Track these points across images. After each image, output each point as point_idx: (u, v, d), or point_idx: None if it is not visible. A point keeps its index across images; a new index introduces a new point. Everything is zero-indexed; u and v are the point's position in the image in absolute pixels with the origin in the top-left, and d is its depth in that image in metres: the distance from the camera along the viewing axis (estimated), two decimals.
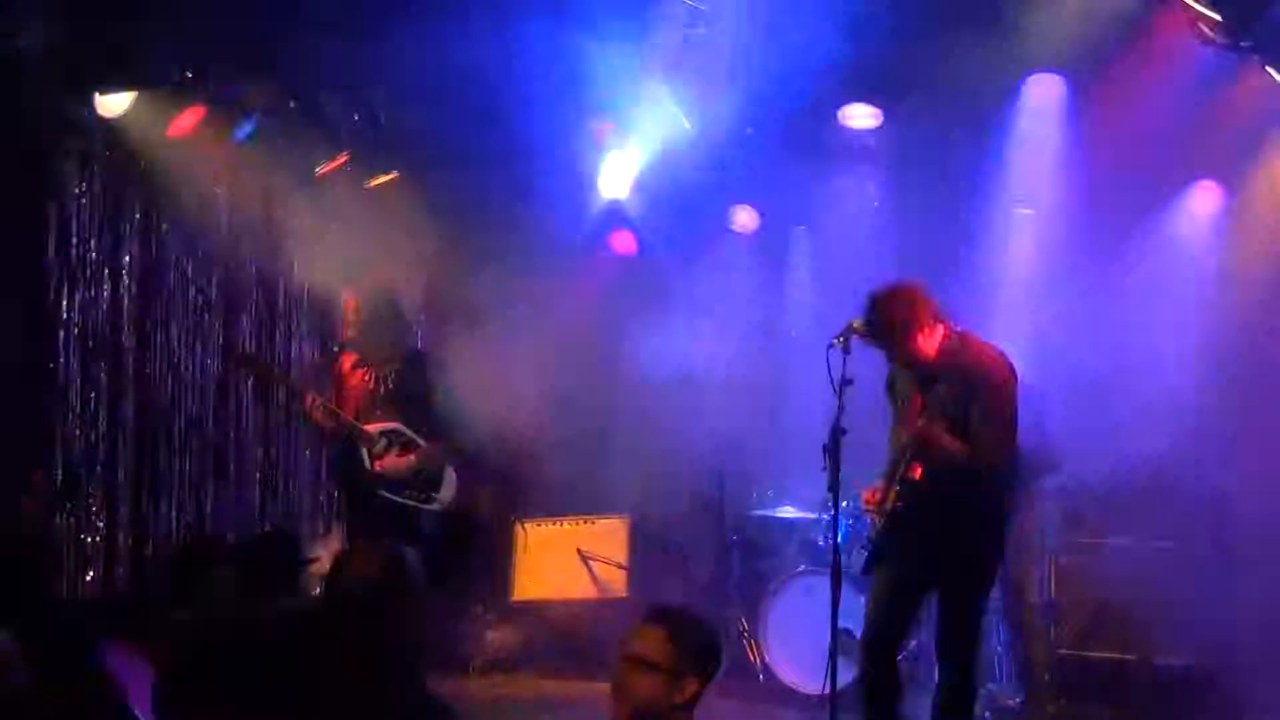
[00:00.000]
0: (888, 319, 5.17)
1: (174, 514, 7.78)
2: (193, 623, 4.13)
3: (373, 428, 6.55)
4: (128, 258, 7.62)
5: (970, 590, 5.26)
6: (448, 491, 6.77)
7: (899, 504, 5.21)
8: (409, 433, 6.61)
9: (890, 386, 5.50)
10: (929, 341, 5.20)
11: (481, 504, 7.75)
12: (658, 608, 3.43)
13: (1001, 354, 5.26)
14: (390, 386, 6.65)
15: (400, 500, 6.63)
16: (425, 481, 6.69)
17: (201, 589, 4.63)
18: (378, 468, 6.59)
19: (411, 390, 6.64)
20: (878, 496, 5.34)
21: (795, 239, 9.22)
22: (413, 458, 6.64)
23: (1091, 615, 7.07)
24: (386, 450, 6.56)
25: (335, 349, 7.16)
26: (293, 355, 8.53)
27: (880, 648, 5.31)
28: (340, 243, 8.46)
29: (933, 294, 5.28)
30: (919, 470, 5.16)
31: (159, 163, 7.52)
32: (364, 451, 6.55)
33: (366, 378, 6.67)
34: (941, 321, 5.25)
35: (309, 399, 6.57)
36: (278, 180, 8.18)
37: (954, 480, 5.11)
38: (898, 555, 5.30)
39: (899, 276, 5.41)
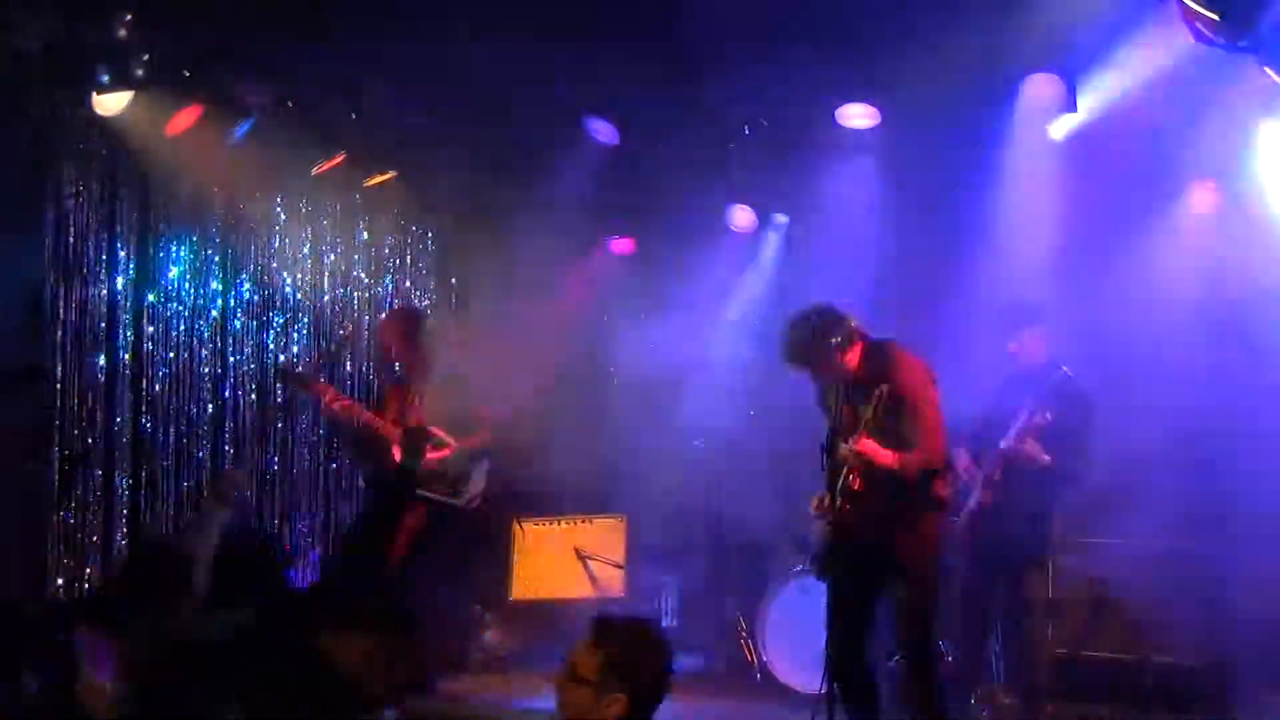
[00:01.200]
0: (805, 346, 5.33)
1: (171, 513, 7.76)
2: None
3: (406, 427, 6.89)
4: (125, 256, 7.60)
5: (913, 591, 5.39)
6: (475, 487, 7.07)
7: (843, 513, 5.36)
8: (440, 433, 6.93)
9: (821, 399, 5.64)
10: (849, 356, 5.36)
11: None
12: (597, 621, 3.37)
13: (920, 362, 5.42)
14: (425, 398, 7.00)
15: (429, 495, 6.92)
16: (455, 477, 7.00)
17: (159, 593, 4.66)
18: (409, 464, 6.90)
19: (447, 400, 6.96)
20: (824, 504, 5.44)
21: (792, 238, 9.23)
22: (443, 454, 6.96)
23: (1089, 615, 7.08)
24: (417, 447, 6.87)
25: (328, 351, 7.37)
26: (291, 354, 8.50)
27: (844, 663, 5.39)
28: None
29: (842, 310, 5.40)
30: (858, 481, 5.35)
31: (156, 162, 7.52)
32: (395, 449, 6.87)
33: (404, 391, 7.08)
34: (858, 335, 5.39)
35: (338, 404, 6.94)
36: (274, 179, 8.18)
37: (892, 487, 5.30)
38: (845, 563, 5.44)
39: (816, 299, 5.51)
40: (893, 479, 5.30)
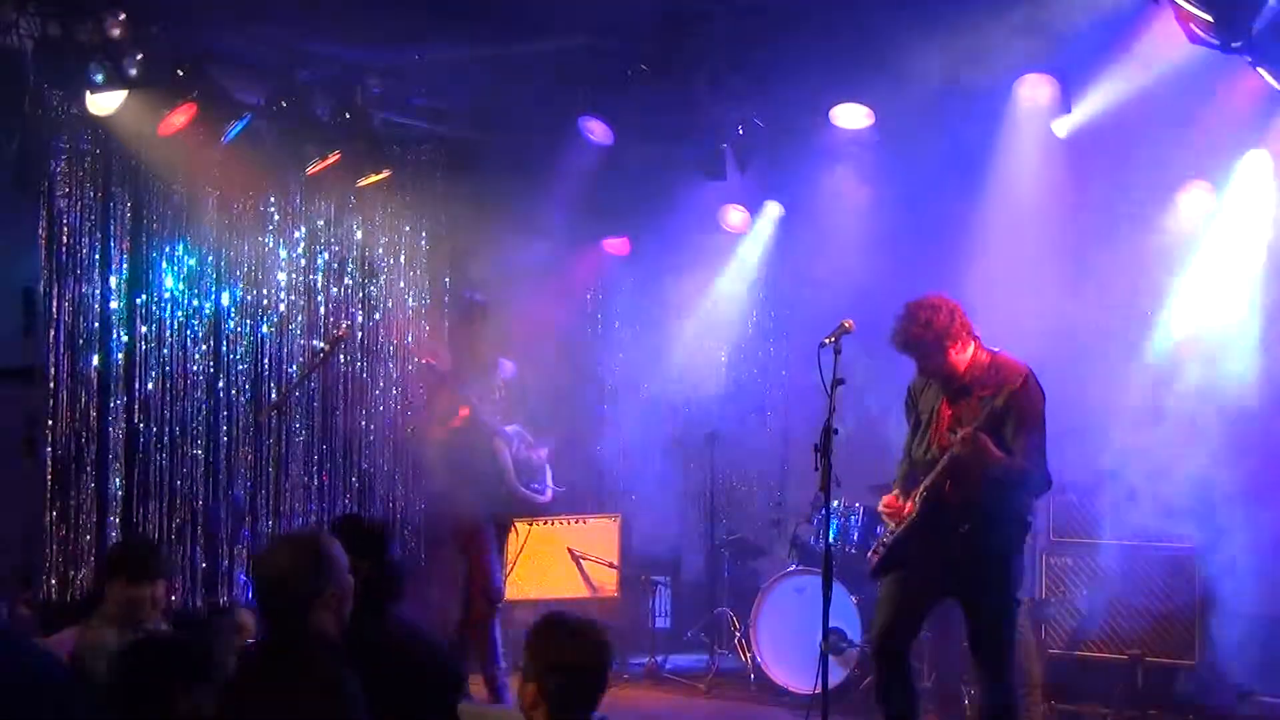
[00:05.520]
0: (924, 329, 5.24)
1: (165, 513, 7.74)
2: None
3: (508, 428, 7.21)
4: (118, 256, 7.58)
5: (1000, 600, 5.31)
6: (548, 481, 7.43)
7: (922, 512, 5.27)
8: (528, 434, 7.29)
9: (910, 400, 5.56)
10: (960, 356, 5.29)
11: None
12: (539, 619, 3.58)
13: (1030, 371, 5.31)
14: (499, 396, 7.29)
15: (525, 490, 7.24)
16: (538, 474, 7.37)
17: None
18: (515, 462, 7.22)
19: (514, 398, 7.33)
20: (897, 503, 5.40)
21: (787, 238, 9.23)
22: (532, 454, 7.31)
23: (1082, 615, 7.09)
24: (519, 447, 7.23)
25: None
26: (292, 353, 8.48)
27: (893, 650, 5.39)
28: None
29: (959, 305, 5.34)
30: (949, 482, 5.21)
31: (150, 161, 7.51)
32: (499, 451, 7.14)
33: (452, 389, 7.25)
34: (973, 337, 5.33)
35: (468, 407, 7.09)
36: (268, 179, 8.16)
37: (983, 492, 5.17)
38: (917, 563, 5.35)
39: (932, 287, 5.46)
40: (985, 485, 5.16)
